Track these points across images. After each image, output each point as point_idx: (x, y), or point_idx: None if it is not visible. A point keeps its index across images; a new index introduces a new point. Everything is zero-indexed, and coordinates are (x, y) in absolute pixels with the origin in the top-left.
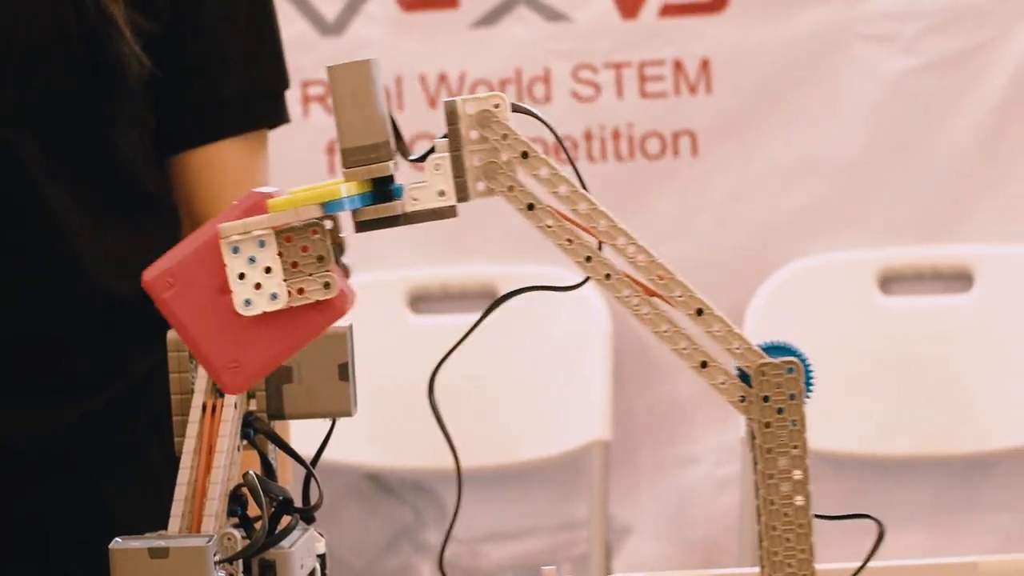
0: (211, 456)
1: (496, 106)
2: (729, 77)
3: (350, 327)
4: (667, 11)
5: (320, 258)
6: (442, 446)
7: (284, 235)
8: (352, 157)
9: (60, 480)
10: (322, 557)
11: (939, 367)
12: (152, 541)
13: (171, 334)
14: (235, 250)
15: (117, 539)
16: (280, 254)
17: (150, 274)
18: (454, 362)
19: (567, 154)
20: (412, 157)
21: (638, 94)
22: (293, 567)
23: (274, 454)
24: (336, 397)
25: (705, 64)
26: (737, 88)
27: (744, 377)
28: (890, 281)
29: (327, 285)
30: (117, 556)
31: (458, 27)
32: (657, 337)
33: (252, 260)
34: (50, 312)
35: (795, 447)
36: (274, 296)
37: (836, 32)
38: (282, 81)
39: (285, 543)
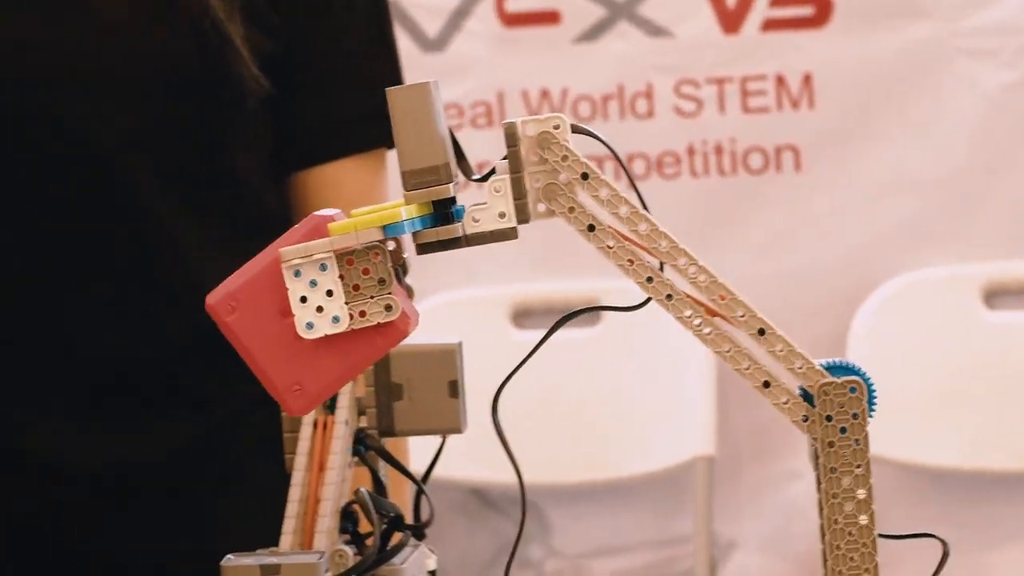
0: (322, 473)
1: (556, 127)
2: (832, 92)
3: (459, 344)
4: (769, 25)
5: (382, 280)
6: (545, 461)
7: (346, 258)
8: (412, 180)
9: (174, 502)
10: (433, 573)
11: None
12: (264, 558)
13: None
14: (296, 273)
15: (229, 556)
16: (341, 277)
17: (213, 297)
18: (559, 378)
19: (627, 174)
20: (475, 176)
21: (740, 109)
22: None
23: (384, 471)
24: (446, 414)
25: (807, 79)
26: (840, 103)
27: (807, 397)
28: (995, 295)
29: (389, 307)
30: (229, 574)
31: (560, 43)
32: (720, 357)
33: (313, 283)
34: (168, 335)
35: (858, 466)
36: (336, 319)
37: (938, 47)
38: None
39: (396, 560)
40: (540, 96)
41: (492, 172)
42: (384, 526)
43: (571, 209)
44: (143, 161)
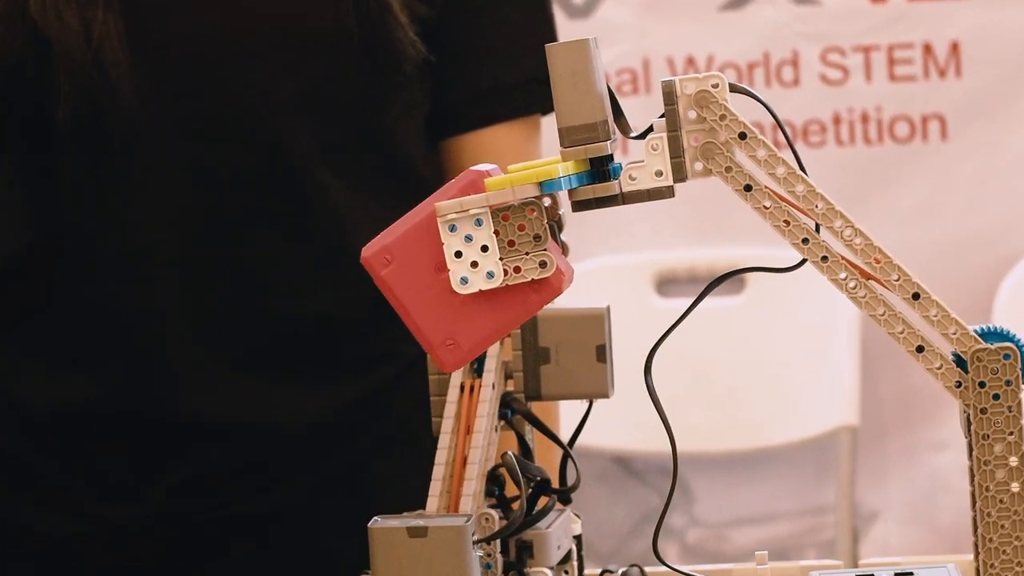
0: (469, 436)
1: (715, 86)
2: (979, 60)
3: (607, 308)
4: None
5: (537, 237)
6: (688, 430)
7: (501, 214)
8: (570, 136)
9: (332, 462)
10: (578, 538)
11: None
12: (411, 520)
13: None
14: (452, 228)
15: (376, 518)
16: (497, 232)
17: (369, 251)
18: (703, 347)
19: (786, 136)
20: (633, 134)
21: (887, 77)
22: (550, 548)
23: (531, 435)
24: (593, 378)
25: (955, 47)
26: (987, 71)
27: (960, 362)
28: None
29: (543, 264)
30: (376, 535)
31: (706, 9)
32: (874, 320)
33: (469, 239)
34: (327, 296)
35: (1011, 433)
36: (490, 275)
37: None
38: None
39: (542, 524)
40: (685, 63)
41: (650, 130)
42: (530, 490)
43: (728, 169)
44: (303, 123)
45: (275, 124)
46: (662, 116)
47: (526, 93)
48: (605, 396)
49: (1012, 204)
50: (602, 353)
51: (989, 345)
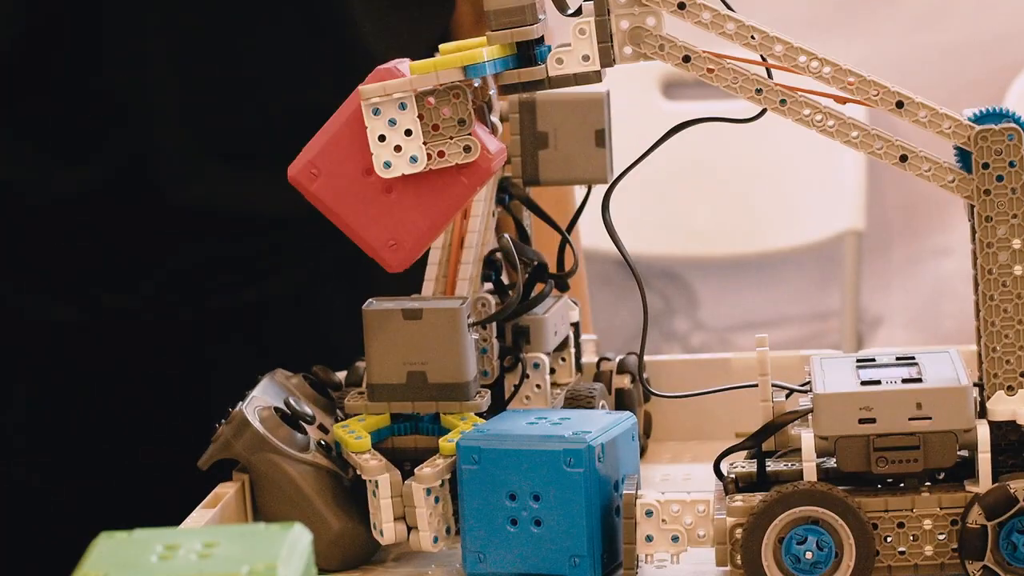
0: (465, 220)
1: None
2: None
3: (607, 92)
4: None
5: (461, 121)
6: (693, 234)
7: (425, 98)
8: (497, 19)
9: (328, 251)
10: (576, 326)
11: None
12: (405, 302)
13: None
14: (376, 112)
15: (371, 300)
16: (421, 117)
17: (294, 168)
18: (710, 150)
19: None
20: (568, 12)
21: None
22: (547, 333)
23: (529, 220)
24: (592, 163)
25: None
26: None
27: (963, 155)
28: None
29: (468, 148)
30: (370, 317)
31: None
32: (849, 146)
33: (392, 122)
34: (329, 90)
35: (1014, 216)
36: (414, 159)
37: None
38: None
39: (539, 309)
40: None
41: (581, 10)
42: (527, 275)
43: (661, 47)
44: None
45: None
46: (580, 12)
47: None
48: (604, 182)
49: (1019, 9)
50: (601, 138)
51: (993, 126)
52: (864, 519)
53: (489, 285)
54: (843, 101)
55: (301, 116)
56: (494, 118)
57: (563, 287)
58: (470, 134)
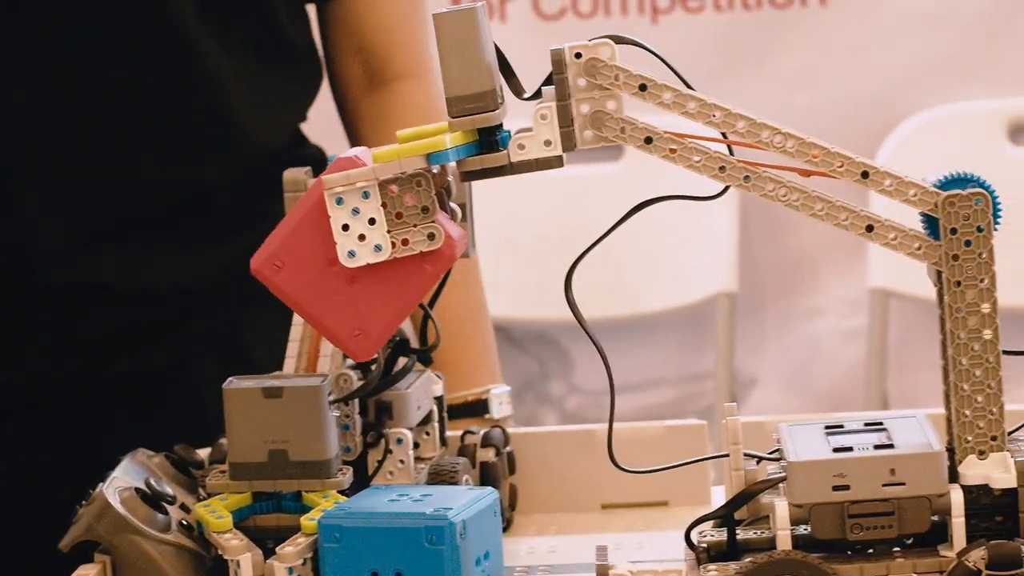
0: None
1: (604, 52)
2: None
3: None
4: None
5: (425, 209)
6: (562, 295)
7: (388, 186)
8: (458, 106)
9: (202, 323)
10: (439, 400)
11: None
12: (265, 381)
13: (288, 173)
14: (339, 201)
15: (231, 379)
16: (384, 205)
17: (258, 260)
18: (582, 213)
19: (675, 72)
20: (525, 96)
21: None
22: (409, 409)
23: None
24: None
25: None
26: None
27: (930, 221)
28: (1020, 131)
29: (432, 236)
30: (231, 396)
31: None
32: (816, 218)
33: (356, 211)
34: (200, 158)
35: (983, 280)
36: (378, 248)
37: None
38: None
39: (401, 384)
40: None
41: (540, 92)
42: (389, 350)
43: (622, 130)
44: None
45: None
46: (549, 82)
47: None
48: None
49: (891, 69)
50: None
51: (961, 191)
52: None
53: (351, 361)
54: (808, 174)
55: (176, 189)
56: (453, 204)
57: (426, 361)
58: (434, 221)
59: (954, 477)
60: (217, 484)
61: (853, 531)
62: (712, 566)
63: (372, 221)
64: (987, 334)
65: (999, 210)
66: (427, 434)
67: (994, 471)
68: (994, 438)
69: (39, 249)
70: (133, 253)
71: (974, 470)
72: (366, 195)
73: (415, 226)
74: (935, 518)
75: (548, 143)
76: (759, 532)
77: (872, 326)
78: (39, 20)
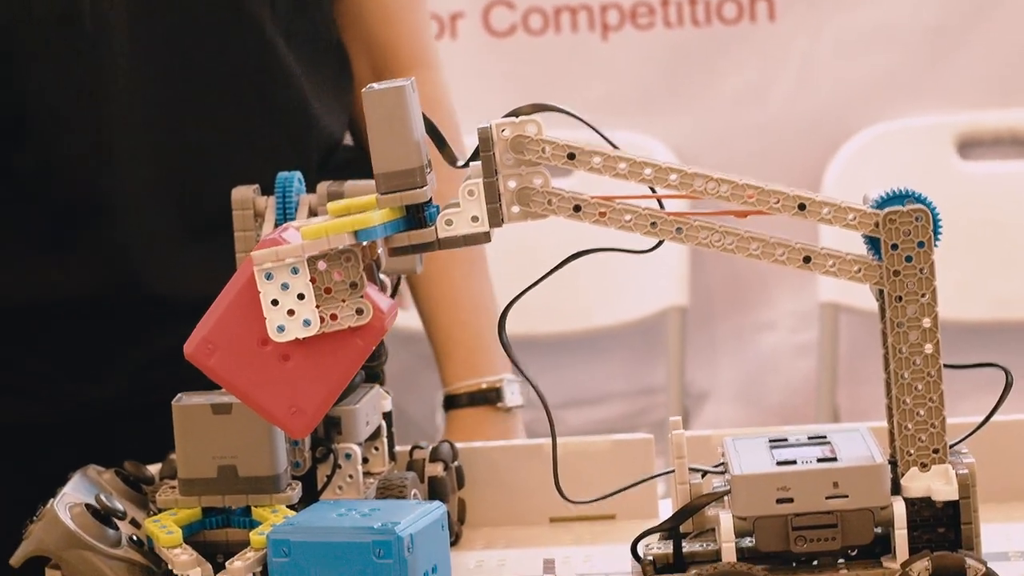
0: None
1: (530, 128)
2: None
3: None
4: None
5: (353, 284)
6: (516, 313)
7: (317, 261)
8: (386, 182)
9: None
10: (388, 415)
11: (1019, 233)
12: (215, 397)
13: (236, 191)
14: (268, 276)
15: (180, 395)
16: (313, 280)
17: (190, 346)
18: (532, 228)
19: (600, 135)
20: (459, 164)
21: None
22: (358, 424)
23: None
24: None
25: None
26: None
27: (873, 242)
28: (969, 146)
29: (360, 311)
30: (180, 412)
31: None
32: (752, 258)
33: (285, 287)
34: (283, 153)
35: (923, 295)
36: (307, 322)
37: None
38: None
39: (350, 400)
40: None
41: (475, 156)
42: None
43: (549, 203)
44: (263, 5)
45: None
46: (477, 159)
47: None
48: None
49: (840, 84)
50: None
51: (901, 207)
52: None
53: None
54: (745, 215)
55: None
56: (383, 276)
57: (374, 377)
58: (362, 296)
59: (897, 490)
60: (167, 500)
61: (797, 543)
62: None
63: (301, 296)
64: (928, 348)
65: (939, 226)
66: (376, 449)
67: (936, 483)
68: (936, 451)
69: (141, 261)
70: (211, 257)
71: (916, 483)
72: (295, 271)
73: (343, 301)
74: (878, 530)
75: (475, 219)
76: (705, 545)
77: (822, 340)
78: (128, 25)
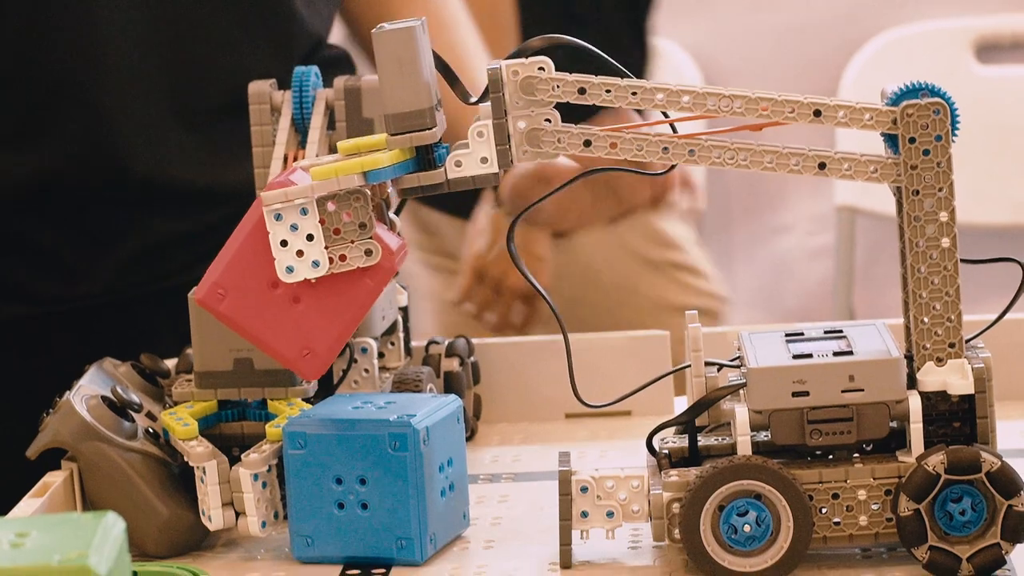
0: None
1: (540, 69)
2: None
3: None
4: None
5: (362, 225)
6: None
7: (327, 202)
8: (396, 124)
9: None
10: (404, 310)
11: None
12: None
13: (253, 85)
14: (278, 217)
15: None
16: (322, 221)
17: (200, 291)
18: None
19: (611, 62)
20: (472, 100)
21: None
22: (374, 318)
23: None
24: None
25: None
26: None
27: (891, 139)
28: (986, 49)
29: (369, 252)
30: (196, 306)
31: None
32: (767, 171)
33: (294, 228)
34: (263, 47)
35: (940, 189)
36: (316, 264)
37: None
38: None
39: None
40: None
41: (486, 93)
42: None
43: (559, 141)
44: None
45: None
46: (485, 99)
47: None
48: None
49: None
50: None
51: (918, 101)
52: (801, 491)
53: None
54: (760, 128)
55: (243, 81)
56: (392, 215)
57: None
58: (371, 237)
59: (912, 384)
60: (183, 392)
61: (812, 437)
62: (673, 471)
63: (310, 237)
64: (945, 242)
65: (957, 121)
66: (392, 344)
67: (952, 378)
68: (952, 345)
69: (127, 146)
70: (199, 146)
71: (932, 377)
72: (304, 212)
73: (353, 242)
74: (894, 424)
75: (485, 160)
76: (720, 438)
77: (839, 243)
78: None
